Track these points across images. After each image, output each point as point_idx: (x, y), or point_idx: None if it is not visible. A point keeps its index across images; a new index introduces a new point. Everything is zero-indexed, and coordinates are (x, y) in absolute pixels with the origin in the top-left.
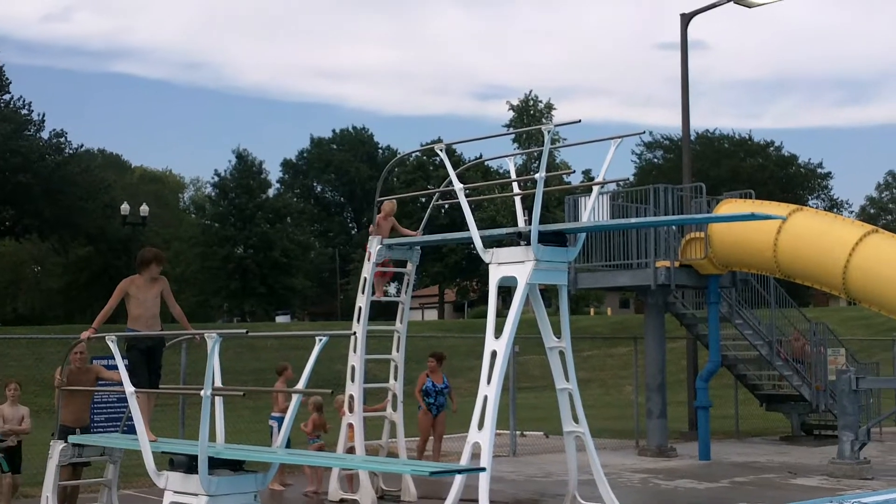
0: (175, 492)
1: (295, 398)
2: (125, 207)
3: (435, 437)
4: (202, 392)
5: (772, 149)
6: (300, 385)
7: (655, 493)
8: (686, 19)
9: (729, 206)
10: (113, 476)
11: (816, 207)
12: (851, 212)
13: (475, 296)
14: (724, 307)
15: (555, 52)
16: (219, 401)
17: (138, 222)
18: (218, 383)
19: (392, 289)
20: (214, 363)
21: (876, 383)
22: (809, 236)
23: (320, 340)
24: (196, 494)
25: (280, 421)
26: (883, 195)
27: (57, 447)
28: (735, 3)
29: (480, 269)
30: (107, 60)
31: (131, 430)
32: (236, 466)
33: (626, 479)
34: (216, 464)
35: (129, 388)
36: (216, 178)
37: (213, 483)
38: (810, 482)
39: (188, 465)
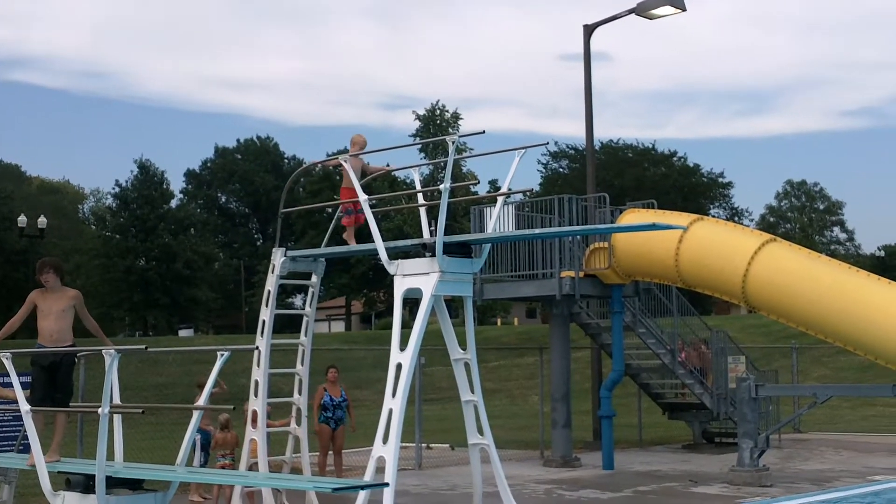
0: None
1: (196, 414)
2: (22, 219)
3: (335, 452)
4: (100, 410)
5: (675, 158)
6: (201, 401)
7: None
8: (589, 31)
9: (632, 216)
10: (8, 497)
11: (718, 216)
12: (752, 220)
13: (382, 307)
14: (628, 316)
15: (461, 62)
16: (118, 418)
17: (36, 234)
18: (117, 400)
19: (298, 301)
20: (112, 380)
21: (775, 391)
22: (710, 246)
23: (222, 356)
24: None
25: (203, 435)
26: (782, 204)
27: None
28: (637, 15)
29: (387, 281)
30: (5, 69)
31: (27, 449)
32: (135, 486)
33: (531, 490)
34: (115, 483)
35: (24, 407)
36: (117, 189)
37: (111, 503)
38: (711, 490)
39: (85, 484)
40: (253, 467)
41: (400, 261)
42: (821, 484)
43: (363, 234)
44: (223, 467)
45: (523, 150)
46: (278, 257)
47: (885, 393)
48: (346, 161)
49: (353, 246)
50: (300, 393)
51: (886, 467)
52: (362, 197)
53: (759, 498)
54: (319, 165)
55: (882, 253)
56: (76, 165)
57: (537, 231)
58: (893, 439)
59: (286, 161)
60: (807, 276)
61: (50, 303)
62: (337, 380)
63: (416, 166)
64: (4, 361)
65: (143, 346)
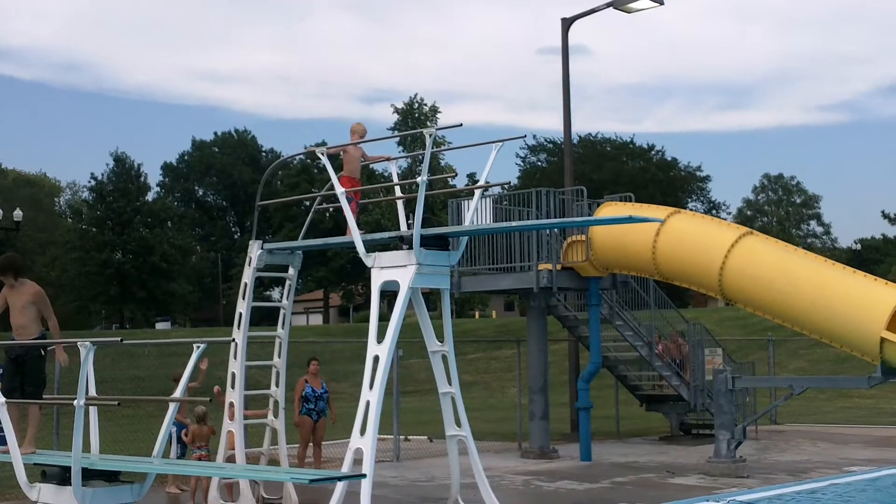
0: None
1: (172, 407)
2: None
3: (315, 443)
4: (75, 402)
5: (653, 152)
6: (177, 393)
7: (537, 495)
8: (567, 24)
9: (609, 209)
10: None
11: (696, 209)
12: (729, 213)
13: (361, 299)
14: (605, 309)
15: (440, 56)
16: (93, 410)
17: (11, 227)
18: (93, 392)
19: (276, 294)
20: (88, 372)
21: (751, 382)
22: (686, 239)
23: (198, 348)
24: None
25: (179, 427)
26: (759, 197)
27: None
28: (615, 8)
29: (365, 274)
30: None
31: (3, 441)
32: (112, 477)
33: (509, 481)
34: (91, 475)
35: None
36: (93, 182)
37: (87, 495)
38: (688, 481)
39: (61, 476)
40: (231, 459)
41: (377, 253)
42: (797, 475)
43: (342, 228)
44: (198, 459)
45: (501, 144)
46: (255, 250)
47: (860, 385)
48: (322, 154)
49: (331, 239)
50: (277, 385)
51: (862, 458)
52: (339, 190)
53: (735, 489)
54: (297, 158)
55: (858, 246)
56: (53, 158)
57: (515, 224)
58: (869, 430)
59: (264, 154)
60: (783, 269)
61: (13, 298)
62: (318, 372)
63: (395, 159)
64: None
65: (119, 338)
